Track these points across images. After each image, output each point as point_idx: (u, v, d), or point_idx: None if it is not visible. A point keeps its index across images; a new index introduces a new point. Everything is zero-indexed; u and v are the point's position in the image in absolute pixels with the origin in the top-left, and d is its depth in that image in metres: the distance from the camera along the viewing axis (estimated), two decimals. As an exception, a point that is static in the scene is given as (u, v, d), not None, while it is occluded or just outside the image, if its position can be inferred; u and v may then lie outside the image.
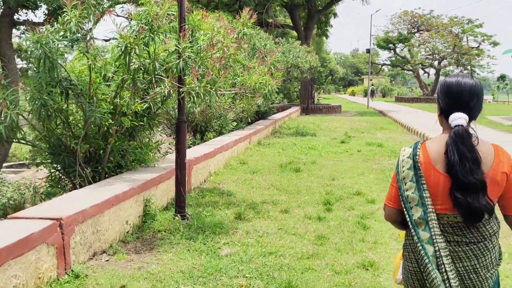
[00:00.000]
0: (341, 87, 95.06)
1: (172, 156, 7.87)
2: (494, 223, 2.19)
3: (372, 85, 53.62)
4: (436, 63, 52.33)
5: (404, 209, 2.20)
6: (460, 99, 2.15)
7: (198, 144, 11.19)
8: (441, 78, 53.58)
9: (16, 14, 9.56)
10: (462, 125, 2.10)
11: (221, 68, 5.87)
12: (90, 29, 6.02)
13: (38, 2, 8.85)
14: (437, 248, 2.11)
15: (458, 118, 2.11)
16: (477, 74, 54.01)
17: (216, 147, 9.68)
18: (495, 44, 49.62)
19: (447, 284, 2.09)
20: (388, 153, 12.59)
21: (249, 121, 15.81)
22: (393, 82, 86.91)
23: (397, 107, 37.53)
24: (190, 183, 7.92)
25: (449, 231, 2.15)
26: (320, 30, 37.27)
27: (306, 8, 31.56)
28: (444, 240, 2.14)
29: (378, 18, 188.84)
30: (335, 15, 37.04)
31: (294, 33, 33.20)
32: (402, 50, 55.76)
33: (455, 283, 2.09)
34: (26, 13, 9.88)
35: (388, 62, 59.42)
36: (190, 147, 10.83)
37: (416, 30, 53.75)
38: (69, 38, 5.89)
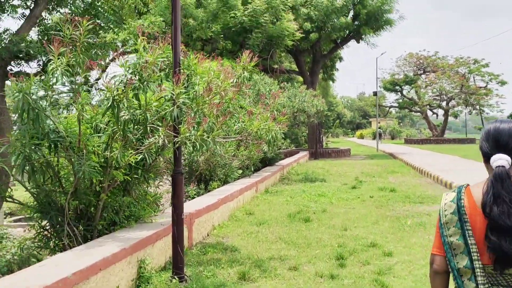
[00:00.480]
0: (349, 130, 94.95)
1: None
2: None
3: (380, 128, 53.27)
4: (444, 103, 52.06)
5: (446, 258, 2.09)
6: (499, 141, 2.09)
7: (202, 194, 10.69)
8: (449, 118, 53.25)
9: (9, 65, 9.31)
10: (503, 166, 2.01)
11: (219, 114, 5.42)
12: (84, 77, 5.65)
13: (32, 53, 8.60)
14: None
15: (499, 159, 2.03)
16: (487, 113, 53.68)
17: (220, 197, 9.15)
18: (502, 83, 49.41)
19: None
20: (402, 198, 11.99)
21: (256, 168, 15.34)
22: (401, 124, 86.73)
23: (407, 149, 36.96)
24: (192, 239, 7.37)
25: (500, 281, 2.01)
26: (326, 74, 37.25)
27: (311, 53, 31.55)
28: None
29: (384, 60, 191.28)
30: (340, 59, 37.10)
31: (300, 78, 33.14)
32: (409, 91, 55.70)
33: None
34: (20, 63, 9.64)
35: (396, 104, 59.26)
36: (194, 197, 10.36)
37: (422, 71, 53.80)
38: (74, 88, 5.53)
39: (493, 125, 2.16)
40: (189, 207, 7.93)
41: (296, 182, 15.81)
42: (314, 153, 28.85)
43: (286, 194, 12.93)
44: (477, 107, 50.08)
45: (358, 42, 30.37)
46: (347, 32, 29.51)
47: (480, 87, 49.55)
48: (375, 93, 40.91)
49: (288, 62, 37.58)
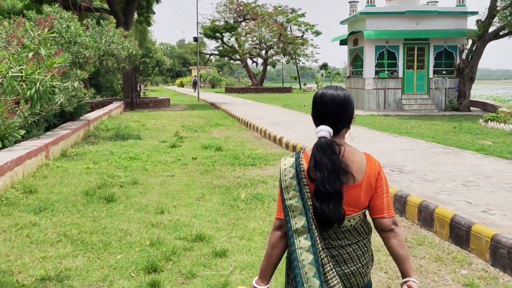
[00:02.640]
0: (169, 78, 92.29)
1: None
2: (368, 223, 2.24)
3: (195, 76, 51.86)
4: (263, 52, 52.06)
5: (285, 220, 2.15)
6: (323, 111, 2.17)
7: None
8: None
9: None
10: (324, 137, 2.11)
11: None
12: None
13: None
14: (317, 256, 2.07)
15: (321, 131, 2.13)
16: (302, 63, 55.36)
17: (-23, 175, 6.26)
18: (317, 33, 50.92)
19: None
20: (230, 159, 10.16)
21: (51, 124, 12.28)
22: (220, 72, 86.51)
23: (228, 99, 35.83)
24: None
25: (332, 236, 2.14)
26: (142, 16, 33.87)
27: (124, -10, 27.99)
28: (325, 247, 2.12)
29: (205, 5, 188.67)
30: (157, 0, 33.93)
31: (114, 20, 29.38)
32: (229, 39, 54.58)
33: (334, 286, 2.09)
34: None
35: (216, 52, 57.90)
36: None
37: (242, 19, 52.85)
38: None
39: (320, 92, 2.21)
40: None
41: (105, 140, 13.09)
42: (130, 104, 25.95)
43: (89, 159, 10.25)
44: (294, 56, 51.06)
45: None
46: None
47: (297, 37, 50.39)
48: (195, 39, 38.62)
49: (100, 1, 33.30)
